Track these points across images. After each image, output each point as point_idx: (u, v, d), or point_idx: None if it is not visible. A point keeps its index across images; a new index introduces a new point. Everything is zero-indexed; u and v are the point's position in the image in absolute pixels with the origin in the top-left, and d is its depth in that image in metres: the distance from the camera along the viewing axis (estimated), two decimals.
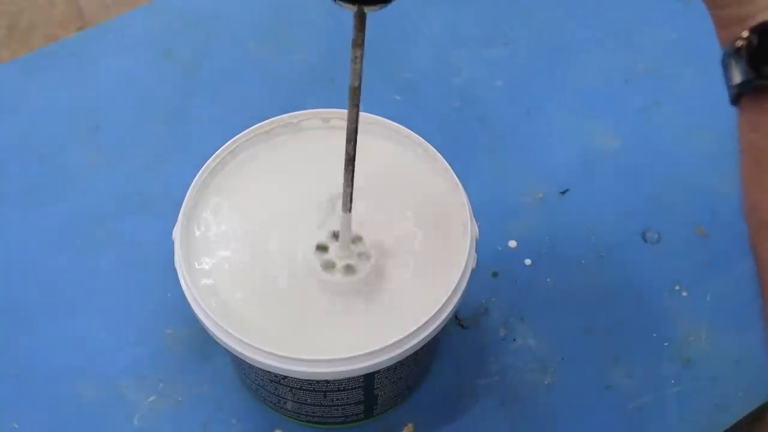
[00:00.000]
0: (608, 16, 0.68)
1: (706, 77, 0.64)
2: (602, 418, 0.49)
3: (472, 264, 0.42)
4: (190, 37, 0.66)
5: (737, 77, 0.30)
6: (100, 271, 0.54)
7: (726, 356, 0.51)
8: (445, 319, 0.41)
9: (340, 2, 0.34)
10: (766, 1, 0.29)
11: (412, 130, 0.47)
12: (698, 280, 0.54)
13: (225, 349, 0.41)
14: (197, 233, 0.44)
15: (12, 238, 0.55)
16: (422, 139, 0.46)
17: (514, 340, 0.51)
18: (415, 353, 0.41)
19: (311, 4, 0.68)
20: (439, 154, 0.46)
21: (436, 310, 0.40)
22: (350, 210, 0.41)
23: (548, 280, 0.54)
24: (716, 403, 0.49)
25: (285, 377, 0.41)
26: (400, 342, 0.39)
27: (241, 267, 0.43)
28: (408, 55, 0.65)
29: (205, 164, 0.45)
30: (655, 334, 0.52)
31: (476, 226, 0.43)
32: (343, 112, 0.47)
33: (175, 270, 0.42)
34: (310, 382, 0.41)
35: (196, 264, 0.43)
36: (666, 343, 0.51)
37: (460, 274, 0.41)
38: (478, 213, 0.44)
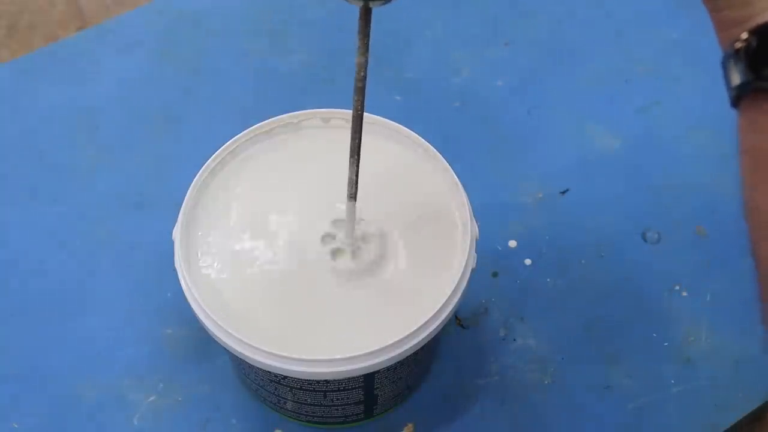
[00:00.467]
0: (608, 16, 0.68)
1: (706, 77, 0.64)
2: (602, 418, 0.49)
3: (472, 264, 0.42)
4: (190, 37, 0.66)
5: (736, 79, 0.30)
6: (100, 271, 0.54)
7: (726, 356, 0.51)
8: (445, 319, 0.41)
9: None
10: (765, 2, 0.29)
11: (412, 130, 0.47)
12: (698, 280, 0.54)
13: (225, 349, 0.41)
14: (197, 233, 0.44)
15: (12, 238, 0.55)
16: (422, 139, 0.46)
17: (514, 340, 0.51)
18: (415, 353, 0.41)
19: (311, 4, 0.68)
20: (439, 154, 0.46)
21: (436, 310, 0.40)
22: (355, 198, 0.41)
23: (548, 280, 0.54)
24: (716, 403, 0.49)
25: (285, 377, 0.41)
26: (400, 342, 0.39)
27: (241, 267, 0.43)
28: (408, 55, 0.65)
29: (205, 164, 0.45)
30: (655, 334, 0.52)
31: (476, 226, 0.43)
32: (344, 112, 0.48)
33: (175, 270, 0.42)
34: (310, 382, 0.41)
35: (196, 264, 0.43)
36: (666, 343, 0.51)
37: (460, 274, 0.41)
38: (478, 213, 0.44)
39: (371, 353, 0.39)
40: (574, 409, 0.49)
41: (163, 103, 0.62)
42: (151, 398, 0.49)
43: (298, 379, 0.41)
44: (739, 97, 0.31)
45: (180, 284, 0.41)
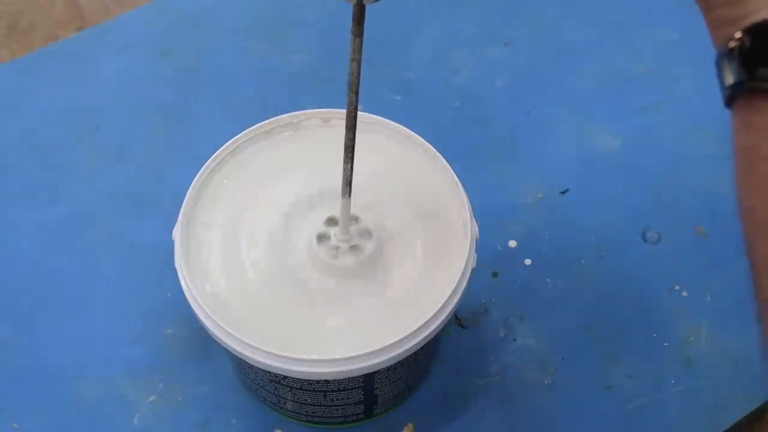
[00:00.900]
0: (608, 17, 0.68)
1: (706, 77, 0.63)
2: (602, 418, 0.49)
3: (472, 264, 0.42)
4: (190, 37, 0.66)
5: (730, 78, 0.30)
6: (100, 271, 0.54)
7: (726, 356, 0.51)
8: (445, 319, 0.41)
9: None
10: (758, 1, 0.29)
11: (412, 130, 0.47)
12: (698, 280, 0.54)
13: (225, 349, 0.41)
14: (197, 233, 0.44)
15: (12, 238, 0.55)
16: (422, 139, 0.46)
17: (514, 340, 0.51)
18: (415, 353, 0.41)
19: (311, 4, 0.68)
20: (439, 154, 0.46)
21: (436, 310, 0.40)
22: (350, 195, 0.41)
23: (548, 280, 0.54)
24: (716, 403, 0.49)
25: (285, 377, 0.41)
26: (400, 342, 0.39)
27: (241, 266, 0.43)
28: (408, 55, 0.65)
29: (205, 164, 0.45)
30: (655, 334, 0.52)
31: (476, 226, 0.43)
32: (344, 112, 0.47)
33: (175, 270, 0.42)
34: (310, 382, 0.41)
35: (196, 264, 0.43)
36: (666, 343, 0.51)
37: (460, 274, 0.41)
38: (478, 213, 0.44)
39: (371, 353, 0.39)
40: (574, 409, 0.49)
41: (163, 103, 0.62)
42: (151, 398, 0.49)
43: (298, 379, 0.41)
44: (732, 97, 0.31)
45: (180, 284, 0.41)
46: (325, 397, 0.43)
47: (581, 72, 0.64)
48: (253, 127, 0.47)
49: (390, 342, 0.39)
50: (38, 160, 0.59)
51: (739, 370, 0.50)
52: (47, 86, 0.63)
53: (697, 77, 0.63)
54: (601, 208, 0.57)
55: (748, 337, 0.51)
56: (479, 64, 0.65)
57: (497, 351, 0.51)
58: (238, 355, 0.40)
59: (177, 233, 0.43)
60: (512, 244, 0.55)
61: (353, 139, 0.39)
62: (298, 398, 0.43)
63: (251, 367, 0.41)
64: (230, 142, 0.46)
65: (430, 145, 0.46)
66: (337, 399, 0.43)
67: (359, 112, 0.47)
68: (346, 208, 0.42)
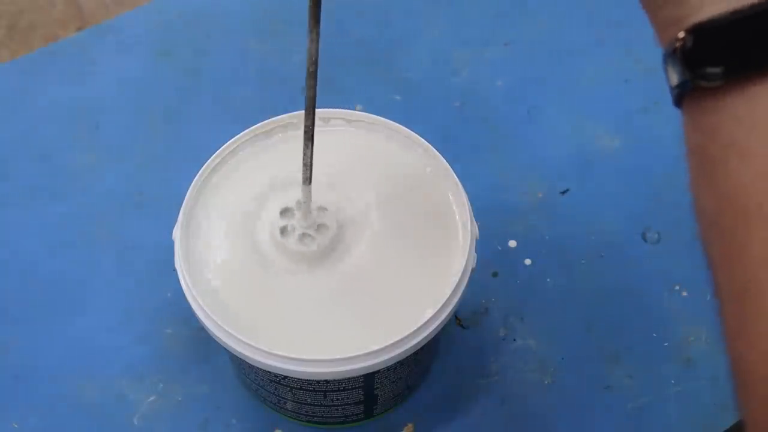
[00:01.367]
0: (608, 16, 0.68)
1: None
2: (602, 418, 0.49)
3: (472, 264, 0.42)
4: (190, 37, 0.66)
5: (675, 79, 0.30)
6: (100, 271, 0.54)
7: (726, 356, 0.51)
8: (445, 319, 0.41)
9: None
10: (698, 0, 0.29)
11: (412, 130, 0.47)
12: (698, 280, 0.54)
13: (225, 349, 0.41)
14: (197, 233, 0.44)
15: (12, 238, 0.55)
16: (422, 139, 0.46)
17: (514, 340, 0.51)
18: (415, 353, 0.41)
19: None
20: (439, 154, 0.46)
21: (436, 310, 0.40)
22: (310, 182, 0.41)
23: (548, 280, 0.54)
24: (716, 403, 0.49)
25: (285, 377, 0.41)
26: (400, 342, 0.39)
27: (241, 266, 0.43)
28: (408, 55, 0.65)
29: (205, 164, 0.45)
30: (655, 334, 0.52)
31: (476, 226, 0.43)
32: (344, 112, 0.48)
33: (175, 270, 0.42)
34: (310, 382, 0.41)
35: (196, 264, 0.43)
36: (666, 343, 0.51)
37: (460, 274, 0.41)
38: (478, 213, 0.44)
39: (371, 353, 0.39)
40: (574, 409, 0.49)
41: (163, 103, 0.62)
42: (151, 398, 0.49)
43: (298, 379, 0.41)
44: (680, 97, 0.30)
45: (180, 284, 0.41)
46: (325, 397, 0.43)
47: (581, 72, 0.64)
48: (253, 127, 0.47)
49: (390, 342, 0.39)
50: (38, 160, 0.59)
51: None
52: (47, 86, 0.63)
53: None
54: (601, 208, 0.57)
55: None
56: (479, 64, 0.65)
57: (497, 351, 0.51)
58: (238, 355, 0.40)
59: (177, 233, 0.43)
60: (512, 244, 0.55)
61: (312, 126, 0.39)
62: (298, 398, 0.43)
63: (251, 367, 0.41)
64: (230, 142, 0.46)
65: (430, 145, 0.46)
66: (337, 399, 0.43)
67: (359, 113, 0.47)
68: (308, 194, 0.42)
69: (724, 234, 0.29)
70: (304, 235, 0.43)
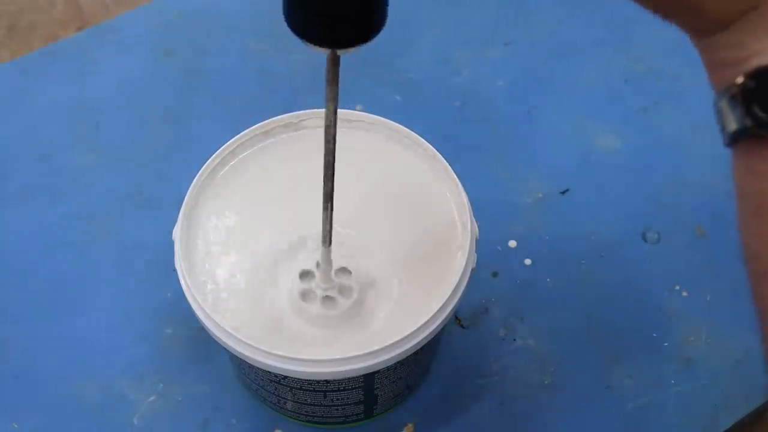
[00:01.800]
0: (608, 16, 0.68)
1: (706, 77, 0.64)
2: (602, 418, 0.49)
3: (472, 264, 0.42)
4: (190, 37, 0.66)
5: (732, 124, 0.29)
6: (100, 271, 0.54)
7: (726, 356, 0.51)
8: (445, 319, 0.41)
9: (310, 45, 0.31)
10: (760, 44, 0.27)
11: (412, 130, 0.47)
12: (698, 280, 0.54)
13: (225, 349, 0.41)
14: (197, 233, 0.44)
15: (12, 238, 0.55)
16: (422, 139, 0.46)
17: (514, 340, 0.51)
18: (415, 353, 0.41)
19: None
20: (439, 154, 0.46)
21: (436, 310, 0.40)
22: (330, 244, 0.40)
23: (548, 280, 0.54)
24: (716, 403, 0.49)
25: (285, 377, 0.41)
26: (400, 342, 0.39)
27: (241, 267, 0.43)
28: (408, 55, 0.65)
29: (205, 164, 0.45)
30: (655, 334, 0.52)
31: (476, 226, 0.43)
32: (344, 112, 0.48)
33: (175, 270, 0.42)
34: (310, 382, 0.41)
35: (196, 264, 0.43)
36: (666, 343, 0.51)
37: (460, 274, 0.41)
38: (478, 213, 0.44)
39: (371, 353, 0.39)
40: (574, 409, 0.49)
41: (163, 103, 0.62)
42: (151, 398, 0.49)
43: (298, 379, 0.41)
44: (736, 140, 0.29)
45: (180, 284, 0.41)
46: (325, 397, 0.43)
47: (581, 72, 0.64)
48: (253, 127, 0.47)
49: (390, 342, 0.39)
50: (38, 160, 0.59)
51: (739, 370, 0.50)
52: (47, 86, 0.63)
53: (697, 77, 0.63)
54: (601, 208, 0.57)
55: (748, 337, 0.51)
56: (479, 64, 0.65)
57: (497, 351, 0.51)
58: (238, 355, 0.40)
59: (177, 233, 0.43)
60: (512, 244, 0.55)
61: (332, 188, 0.38)
62: (298, 398, 0.43)
63: (251, 367, 0.41)
64: (230, 142, 0.46)
65: (430, 145, 0.46)
66: (337, 399, 0.43)
67: (360, 113, 0.47)
68: (327, 256, 0.41)
69: None
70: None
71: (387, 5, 0.31)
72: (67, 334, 0.51)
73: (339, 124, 0.47)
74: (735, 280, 0.53)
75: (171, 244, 0.43)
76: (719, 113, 0.30)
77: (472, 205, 0.44)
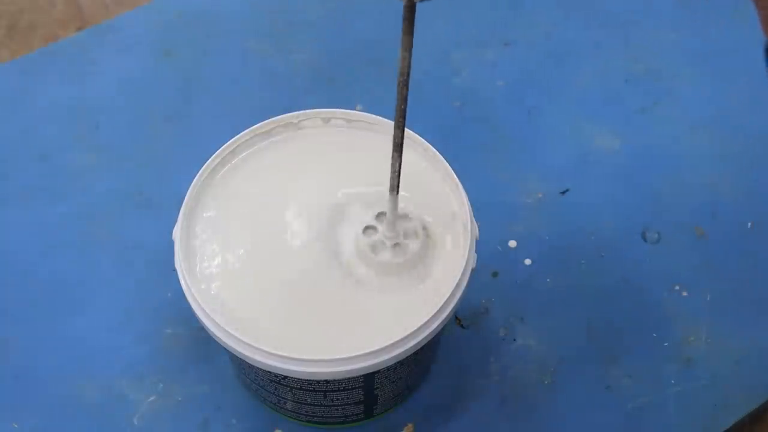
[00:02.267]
0: (608, 17, 0.68)
1: (705, 77, 0.64)
2: (602, 418, 0.49)
3: (472, 264, 0.42)
4: (190, 37, 0.66)
5: None
6: (100, 271, 0.54)
7: (726, 356, 0.51)
8: (445, 319, 0.41)
9: None
10: None
11: (412, 130, 0.47)
12: (698, 280, 0.54)
13: (225, 349, 0.41)
14: (197, 233, 0.44)
15: (12, 238, 0.55)
16: (422, 139, 0.46)
17: (514, 340, 0.51)
18: (415, 353, 0.41)
19: (311, 4, 0.68)
20: (439, 154, 0.46)
21: (436, 310, 0.40)
22: (397, 192, 0.41)
23: (548, 280, 0.54)
24: (716, 403, 0.49)
25: (285, 377, 0.41)
26: (400, 342, 0.39)
27: (241, 266, 0.43)
28: None
29: (205, 164, 0.45)
30: (655, 334, 0.52)
31: (476, 226, 0.43)
32: (344, 112, 0.48)
33: (175, 270, 0.42)
34: (310, 382, 0.41)
35: (196, 264, 0.43)
36: (666, 343, 0.51)
37: (460, 274, 0.41)
38: (478, 213, 0.44)
39: (371, 353, 0.39)
40: (574, 409, 0.49)
41: (163, 103, 0.62)
42: (151, 398, 0.49)
43: (298, 379, 0.41)
44: None
45: (180, 284, 0.41)
46: (325, 397, 0.43)
47: (581, 72, 0.64)
48: (253, 127, 0.47)
49: (390, 342, 0.39)
50: (38, 160, 0.59)
51: (739, 370, 0.50)
52: (47, 86, 0.63)
53: (697, 77, 0.63)
54: (601, 208, 0.57)
55: (748, 337, 0.51)
56: (479, 64, 0.65)
57: (497, 351, 0.51)
58: (238, 355, 0.40)
59: (177, 233, 0.43)
60: (512, 244, 0.55)
61: (402, 137, 0.39)
62: (298, 398, 0.43)
63: (251, 367, 0.41)
64: (230, 142, 0.46)
65: (430, 145, 0.46)
66: (337, 399, 0.43)
67: (359, 113, 0.47)
68: (394, 203, 0.41)
69: None
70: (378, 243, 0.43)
71: None
72: (67, 334, 0.51)
73: (339, 123, 0.48)
74: (735, 280, 0.54)
75: (171, 244, 0.43)
76: None
77: (472, 205, 0.44)
